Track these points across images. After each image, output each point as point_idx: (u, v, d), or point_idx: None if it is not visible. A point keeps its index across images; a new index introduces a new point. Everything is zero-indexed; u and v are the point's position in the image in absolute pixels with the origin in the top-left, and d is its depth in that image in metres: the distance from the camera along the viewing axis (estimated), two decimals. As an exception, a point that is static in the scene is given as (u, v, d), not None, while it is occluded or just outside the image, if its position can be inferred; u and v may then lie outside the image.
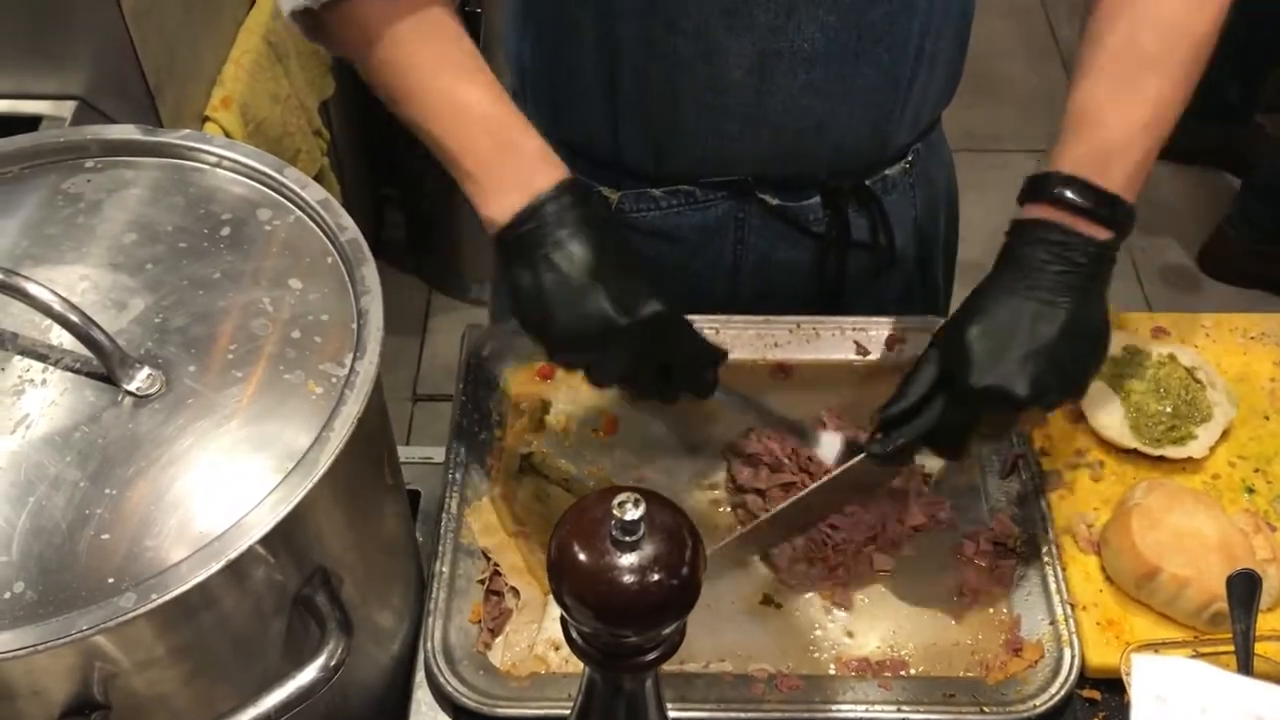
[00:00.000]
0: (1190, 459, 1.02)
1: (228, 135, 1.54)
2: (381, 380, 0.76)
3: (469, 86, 0.86)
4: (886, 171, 1.13)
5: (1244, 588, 0.86)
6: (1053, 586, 0.95)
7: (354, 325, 0.77)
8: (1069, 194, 0.84)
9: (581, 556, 0.55)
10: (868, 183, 1.12)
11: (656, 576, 0.55)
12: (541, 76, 1.10)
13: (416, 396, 2.39)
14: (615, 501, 0.54)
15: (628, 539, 0.55)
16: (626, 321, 0.82)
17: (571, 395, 1.09)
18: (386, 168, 2.52)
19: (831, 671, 0.92)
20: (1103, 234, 0.84)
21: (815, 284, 1.17)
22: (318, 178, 1.80)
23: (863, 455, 0.92)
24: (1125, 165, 0.86)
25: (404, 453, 1.11)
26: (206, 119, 1.56)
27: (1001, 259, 0.87)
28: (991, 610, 0.95)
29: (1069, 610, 0.93)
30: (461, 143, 0.85)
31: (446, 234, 2.48)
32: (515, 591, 0.94)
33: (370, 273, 0.79)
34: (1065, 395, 0.86)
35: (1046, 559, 0.97)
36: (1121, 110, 0.87)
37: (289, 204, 0.84)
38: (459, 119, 0.85)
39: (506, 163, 0.85)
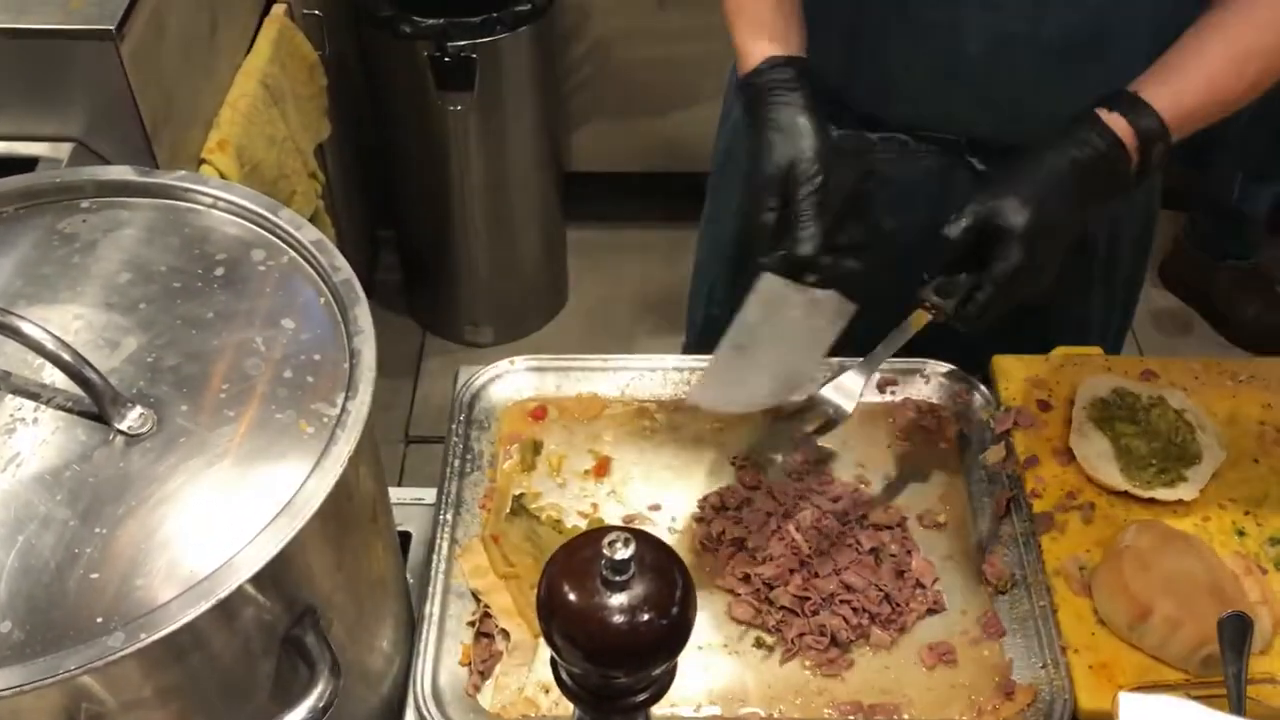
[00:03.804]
0: (1181, 501, 1.02)
1: (224, 177, 1.55)
2: (374, 421, 0.76)
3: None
4: None
5: (1235, 630, 0.85)
6: (1045, 629, 0.95)
7: (346, 365, 0.77)
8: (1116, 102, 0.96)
9: (571, 596, 0.55)
10: None
11: (646, 616, 0.55)
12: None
13: (409, 438, 2.38)
14: (605, 541, 0.54)
15: (618, 578, 0.55)
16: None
17: (564, 436, 1.09)
18: (381, 210, 2.53)
19: (825, 715, 0.91)
20: (1121, 128, 0.94)
21: None
22: (313, 219, 1.82)
23: (920, 308, 0.96)
24: (1176, 96, 0.96)
25: (395, 494, 1.11)
26: (203, 161, 1.57)
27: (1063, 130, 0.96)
28: (984, 653, 0.95)
29: (1061, 653, 0.93)
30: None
31: (441, 276, 2.48)
32: (505, 633, 0.94)
33: (363, 313, 0.79)
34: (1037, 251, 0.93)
35: (1039, 602, 0.97)
36: (1199, 62, 0.97)
37: (283, 245, 0.85)
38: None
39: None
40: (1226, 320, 2.59)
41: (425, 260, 2.50)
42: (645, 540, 0.56)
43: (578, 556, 0.56)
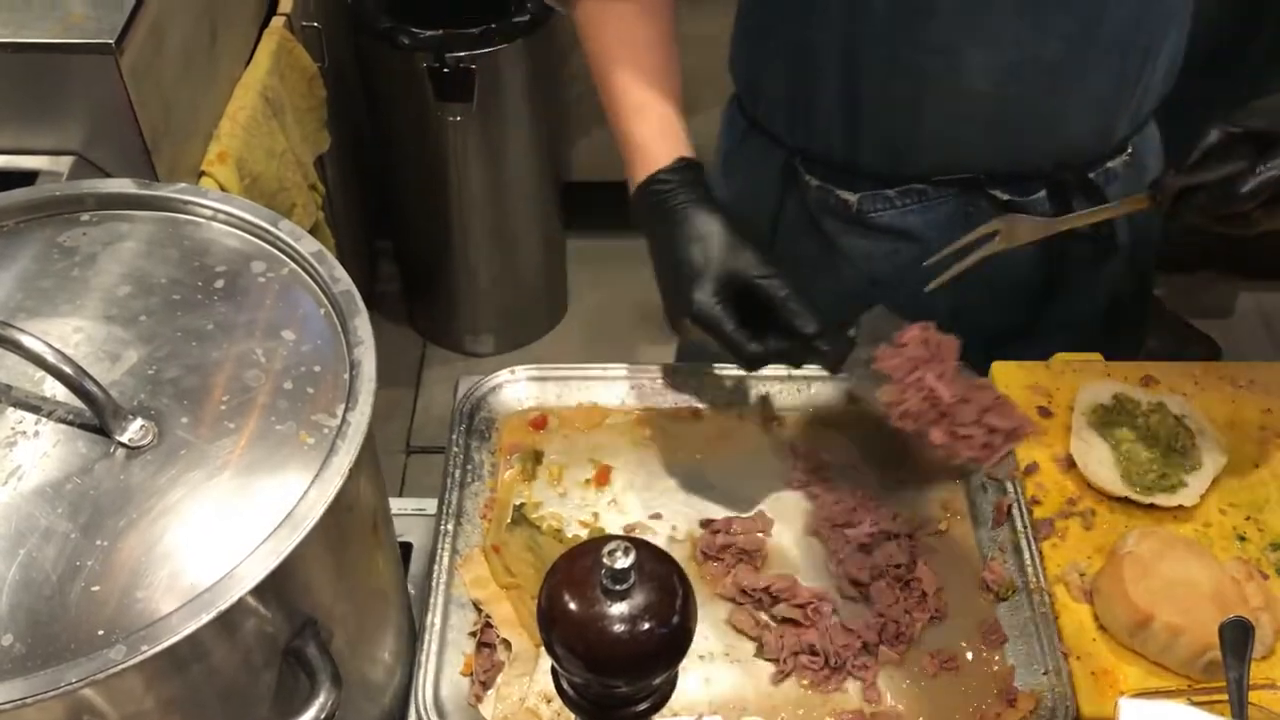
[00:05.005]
0: (1181, 507, 1.02)
1: (224, 189, 1.55)
2: (374, 432, 0.76)
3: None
4: (1108, 164, 1.16)
5: (1237, 636, 0.85)
6: (1046, 636, 0.95)
7: (346, 376, 0.77)
8: None
9: (572, 605, 0.55)
10: (1090, 176, 1.16)
11: (647, 625, 0.55)
12: (779, 96, 1.16)
13: (410, 449, 2.38)
14: (605, 550, 0.55)
15: (618, 587, 0.55)
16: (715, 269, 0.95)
17: (565, 445, 1.09)
18: (381, 221, 2.53)
19: (826, 723, 0.91)
20: None
21: (1038, 275, 1.21)
22: (313, 231, 1.83)
23: (1145, 194, 0.95)
24: None
25: (396, 504, 1.11)
26: (203, 174, 1.57)
27: None
28: (986, 660, 0.95)
29: (1062, 660, 0.93)
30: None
31: (441, 287, 2.49)
32: (507, 644, 0.94)
33: (363, 324, 0.79)
34: None
35: (1040, 608, 0.97)
36: None
37: (283, 256, 0.85)
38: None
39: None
40: None
41: (425, 271, 2.50)
42: (645, 549, 0.56)
43: (578, 566, 0.56)
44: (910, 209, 1.16)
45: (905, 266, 1.15)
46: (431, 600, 0.96)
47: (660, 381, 1.15)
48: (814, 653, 0.94)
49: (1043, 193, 1.14)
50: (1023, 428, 0.96)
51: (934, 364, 0.97)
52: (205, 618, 0.65)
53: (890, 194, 1.15)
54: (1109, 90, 1.09)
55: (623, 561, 0.54)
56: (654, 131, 1.04)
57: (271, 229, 0.85)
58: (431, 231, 2.39)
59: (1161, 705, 0.78)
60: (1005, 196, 1.14)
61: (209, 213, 0.86)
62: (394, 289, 2.62)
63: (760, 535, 1.02)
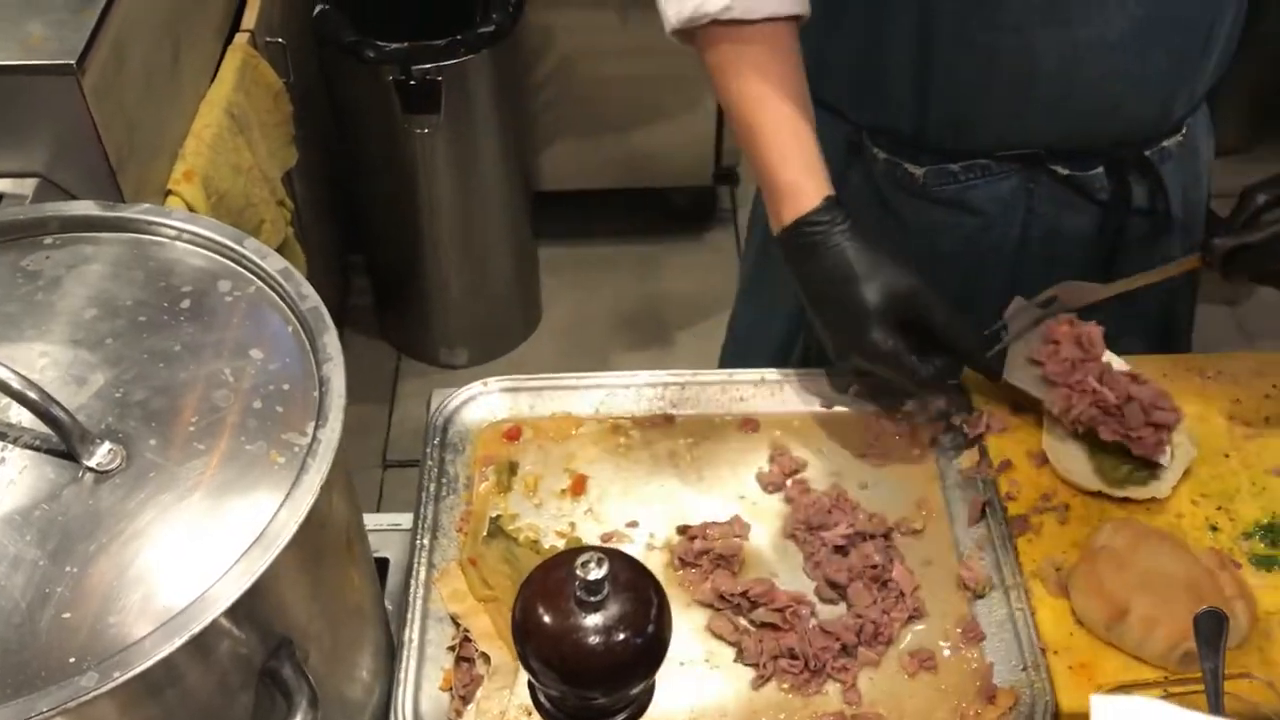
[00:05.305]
0: (1154, 499, 1.03)
1: (190, 208, 1.54)
2: (346, 447, 0.76)
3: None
4: (1164, 143, 1.19)
5: (1211, 626, 0.86)
6: (1024, 632, 0.95)
7: (316, 394, 0.77)
8: None
9: (546, 618, 0.55)
10: (1147, 154, 1.18)
11: (622, 636, 0.55)
12: (848, 74, 1.18)
13: (386, 463, 2.37)
14: (579, 561, 0.55)
15: (592, 599, 0.55)
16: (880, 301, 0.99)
17: (540, 456, 1.09)
18: (351, 235, 2.52)
19: (807, 726, 0.91)
20: None
21: (1096, 251, 1.23)
22: (282, 247, 1.82)
23: (1196, 256, 1.03)
24: None
25: (372, 520, 1.11)
26: (169, 192, 1.56)
27: None
28: (965, 658, 0.95)
29: (1040, 655, 0.93)
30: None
31: (414, 300, 2.48)
32: (486, 657, 0.94)
33: (331, 340, 0.79)
34: None
35: (1017, 604, 0.97)
36: None
37: (249, 275, 0.84)
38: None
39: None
40: None
41: (398, 284, 2.50)
42: (619, 559, 0.56)
43: (552, 578, 0.56)
44: (974, 183, 1.18)
45: (967, 238, 1.18)
46: (409, 615, 0.95)
47: (633, 389, 1.15)
48: (793, 656, 0.94)
49: (1100, 169, 1.18)
50: (1179, 416, 1.04)
51: (1090, 363, 1.05)
52: (178, 641, 0.65)
53: (954, 168, 1.18)
54: (1169, 70, 1.11)
55: (596, 573, 0.54)
56: (800, 171, 1.05)
57: (237, 247, 0.85)
58: (402, 244, 2.39)
59: (1132, 700, 0.79)
60: (1065, 172, 1.17)
61: (173, 233, 0.86)
62: (367, 303, 2.61)
63: (737, 540, 1.02)
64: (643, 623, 0.55)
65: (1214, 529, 1.02)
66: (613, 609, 0.55)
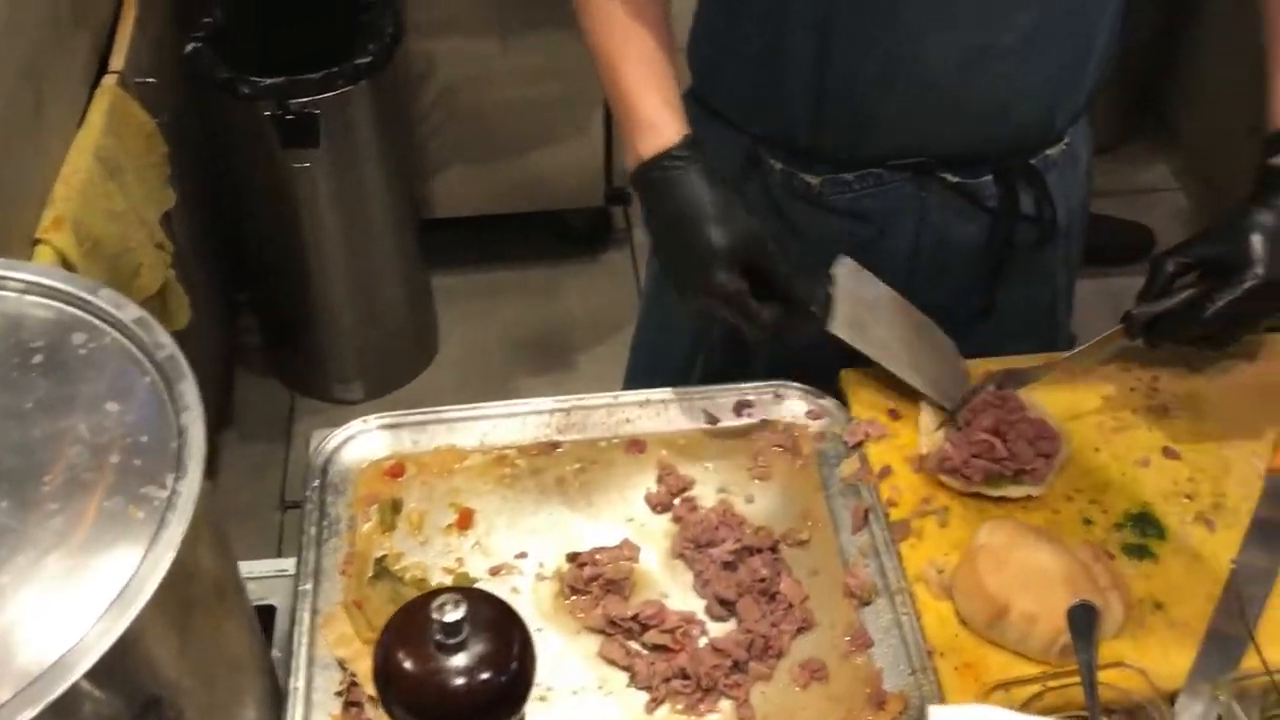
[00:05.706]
0: (1030, 496, 1.06)
1: (62, 256, 1.50)
2: (239, 490, 0.74)
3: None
4: (1048, 151, 1.22)
5: (1083, 619, 0.88)
6: (910, 636, 0.96)
7: (174, 445, 0.75)
8: None
9: (407, 664, 0.55)
10: (1033, 162, 1.21)
11: (485, 675, 0.55)
12: (745, 88, 1.20)
13: (285, 504, 2.32)
14: (434, 604, 0.54)
15: (451, 641, 0.54)
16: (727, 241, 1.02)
17: (424, 492, 1.08)
18: (238, 273, 2.48)
19: (700, 743, 0.91)
20: None
21: (985, 259, 1.25)
22: (163, 289, 1.77)
23: (1120, 328, 1.08)
24: None
25: (256, 566, 1.09)
26: (38, 241, 1.52)
27: (1260, 191, 1.07)
28: (855, 665, 0.96)
29: (927, 658, 0.95)
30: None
31: (305, 336, 2.44)
32: (374, 700, 0.92)
33: (189, 389, 0.77)
34: None
35: (903, 609, 0.98)
36: None
37: (104, 325, 0.82)
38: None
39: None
40: None
41: (287, 321, 2.45)
42: (477, 599, 0.56)
43: (411, 622, 0.55)
44: (867, 192, 1.20)
45: (862, 247, 1.20)
46: (293, 663, 0.93)
47: (518, 417, 1.14)
48: (685, 676, 0.95)
49: (989, 177, 1.20)
50: (1061, 438, 1.09)
51: (1003, 427, 1.08)
52: (38, 707, 0.62)
53: (849, 178, 1.20)
54: (1054, 80, 1.14)
55: (453, 614, 0.53)
56: (660, 106, 1.07)
57: (89, 298, 0.82)
58: (289, 279, 2.35)
59: (970, 709, 0.81)
60: (955, 180, 1.19)
61: (21, 286, 0.83)
62: (257, 341, 2.56)
63: (626, 563, 1.02)
64: (505, 661, 0.55)
65: (1088, 522, 1.05)
66: (474, 649, 0.54)
